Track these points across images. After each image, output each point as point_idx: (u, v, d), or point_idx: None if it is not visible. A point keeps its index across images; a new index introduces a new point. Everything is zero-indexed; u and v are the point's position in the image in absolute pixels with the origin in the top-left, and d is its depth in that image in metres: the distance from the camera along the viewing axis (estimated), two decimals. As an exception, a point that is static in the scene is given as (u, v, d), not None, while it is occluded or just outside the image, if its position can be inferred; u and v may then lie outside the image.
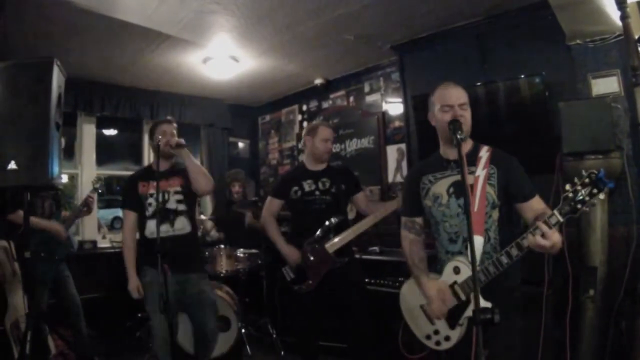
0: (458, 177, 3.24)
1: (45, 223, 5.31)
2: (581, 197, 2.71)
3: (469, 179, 3.17)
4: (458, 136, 2.89)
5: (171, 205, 4.81)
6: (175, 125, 5.02)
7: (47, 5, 5.23)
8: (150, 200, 4.78)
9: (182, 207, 4.83)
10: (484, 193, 3.18)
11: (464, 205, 3.15)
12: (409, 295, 3.59)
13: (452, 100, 3.27)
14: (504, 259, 2.98)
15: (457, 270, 3.22)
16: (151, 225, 4.75)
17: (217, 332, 5.06)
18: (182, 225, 4.80)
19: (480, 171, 3.24)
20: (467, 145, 3.39)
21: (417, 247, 3.57)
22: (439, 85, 3.47)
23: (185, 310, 4.99)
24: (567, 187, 2.77)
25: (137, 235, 4.93)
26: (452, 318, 3.24)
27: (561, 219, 2.77)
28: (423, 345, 3.50)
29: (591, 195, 2.70)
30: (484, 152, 3.32)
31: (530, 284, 4.24)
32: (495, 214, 3.23)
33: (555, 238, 2.77)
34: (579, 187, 2.73)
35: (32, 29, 5.83)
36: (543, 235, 2.77)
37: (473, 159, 3.29)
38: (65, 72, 3.88)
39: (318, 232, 5.03)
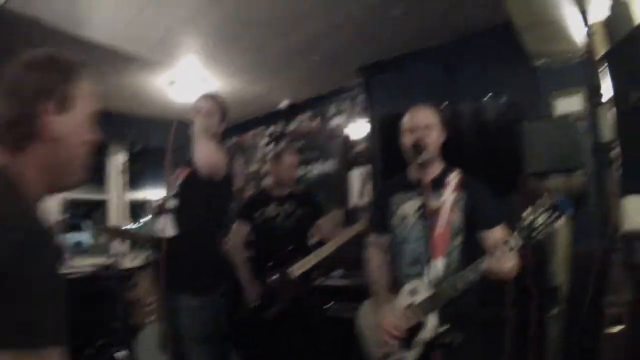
0: (424, 200, 3.22)
1: None
2: (540, 222, 2.74)
3: (435, 203, 3.22)
4: (418, 161, 2.94)
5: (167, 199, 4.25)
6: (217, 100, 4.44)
7: (14, 22, 5.20)
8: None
9: (171, 203, 4.18)
10: (449, 217, 3.21)
11: (427, 228, 3.15)
12: (368, 314, 3.58)
13: (415, 123, 3.31)
14: (461, 282, 2.98)
15: (414, 292, 3.19)
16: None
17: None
18: (161, 226, 4.16)
19: (447, 196, 3.26)
20: (436, 169, 3.41)
21: (380, 266, 3.57)
22: (410, 108, 3.48)
23: None
24: (528, 211, 2.79)
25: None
26: (408, 340, 3.20)
27: (519, 243, 2.79)
28: None
29: (550, 222, 2.73)
30: (453, 177, 3.34)
31: (492, 305, 4.26)
32: (460, 239, 3.25)
33: (509, 264, 2.83)
34: (538, 213, 2.76)
35: (-3, 46, 5.78)
36: (498, 261, 2.83)
37: (441, 183, 3.31)
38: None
39: (282, 257, 5.04)
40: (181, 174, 4.29)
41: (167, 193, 4.27)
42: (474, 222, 3.24)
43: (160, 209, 4.24)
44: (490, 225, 3.17)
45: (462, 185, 3.30)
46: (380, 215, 3.58)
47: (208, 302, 4.03)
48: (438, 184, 3.29)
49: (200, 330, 3.99)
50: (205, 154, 3.99)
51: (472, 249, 3.20)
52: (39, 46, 4.95)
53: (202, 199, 4.06)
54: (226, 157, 4.23)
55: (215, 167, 4.03)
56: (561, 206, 2.71)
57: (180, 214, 4.10)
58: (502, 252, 2.81)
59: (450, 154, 3.48)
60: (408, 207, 3.36)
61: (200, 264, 4.00)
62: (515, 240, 2.78)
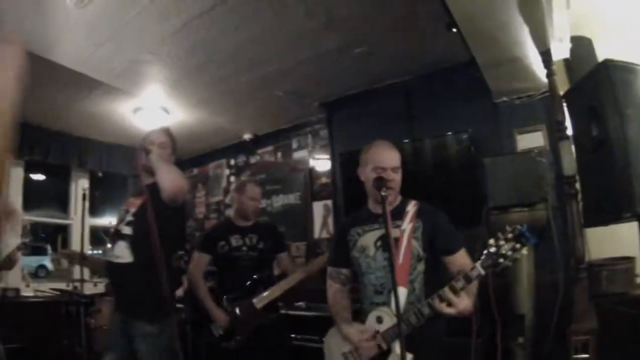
0: (384, 231, 3.20)
1: None
2: (504, 252, 2.76)
3: (395, 233, 3.22)
4: (382, 193, 2.97)
5: (120, 226, 4.12)
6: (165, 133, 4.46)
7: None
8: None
9: (127, 230, 4.04)
10: (409, 246, 3.24)
11: (388, 258, 3.16)
12: (332, 342, 3.58)
13: (385, 164, 3.33)
14: (426, 310, 2.98)
15: (379, 320, 3.22)
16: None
17: None
18: (119, 252, 4.01)
19: (406, 225, 3.29)
20: (395, 201, 3.45)
21: (341, 296, 3.58)
22: (374, 143, 3.52)
23: None
24: (491, 241, 2.81)
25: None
26: None
27: (482, 272, 2.81)
28: None
29: (514, 249, 2.75)
30: (411, 207, 3.39)
31: (458, 334, 4.28)
32: (421, 266, 3.27)
33: (462, 305, 2.85)
34: (502, 242, 2.78)
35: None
36: (449, 304, 2.86)
37: (400, 213, 3.35)
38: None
39: (245, 288, 5.04)
40: (135, 202, 4.20)
41: (121, 220, 4.16)
42: (434, 248, 3.28)
43: (115, 236, 4.12)
44: (451, 251, 3.22)
45: (419, 214, 3.35)
46: (339, 249, 3.61)
47: (164, 329, 3.96)
48: (397, 215, 3.32)
49: (156, 358, 3.91)
50: (172, 177, 3.97)
51: (434, 276, 3.25)
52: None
53: (157, 227, 3.77)
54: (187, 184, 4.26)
55: (181, 191, 4.04)
56: (524, 235, 2.76)
57: (136, 241, 3.99)
58: (452, 296, 2.85)
59: (412, 188, 3.54)
60: (368, 238, 3.41)
61: (155, 290, 3.79)
62: (480, 269, 2.81)
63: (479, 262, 2.82)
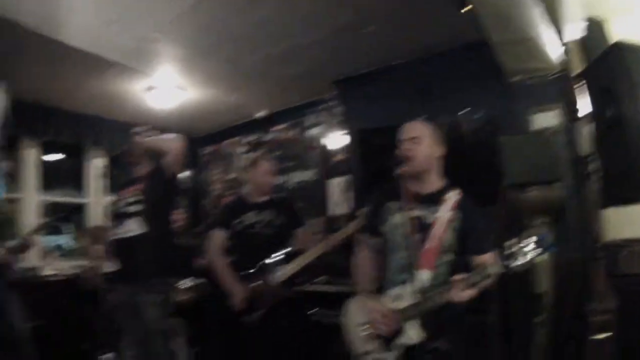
0: (418, 213, 3.27)
1: None
2: (524, 254, 2.79)
3: (430, 218, 3.27)
4: (395, 173, 2.96)
5: (124, 209, 4.63)
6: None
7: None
8: (112, 208, 4.85)
9: (133, 208, 4.58)
10: (441, 233, 3.24)
11: (417, 239, 3.20)
12: (353, 311, 3.61)
13: (402, 135, 3.36)
14: (438, 299, 3.04)
15: (398, 298, 3.25)
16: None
17: None
18: (132, 227, 4.54)
19: (444, 212, 3.29)
20: (434, 183, 3.46)
21: (368, 266, 3.60)
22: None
23: None
24: (513, 241, 2.85)
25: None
26: (386, 342, 3.28)
27: (501, 271, 2.87)
28: None
29: (533, 254, 2.78)
30: (453, 195, 3.37)
31: (477, 312, 4.29)
32: (449, 256, 3.27)
33: (465, 296, 2.92)
34: (522, 244, 2.81)
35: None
36: (460, 296, 2.92)
37: (438, 199, 3.35)
38: (9, 95, 3.85)
39: (262, 264, 5.04)
40: (130, 189, 4.67)
41: (121, 206, 4.63)
42: (465, 245, 3.29)
43: (121, 217, 4.58)
44: (482, 251, 3.20)
45: (459, 206, 3.33)
46: (373, 219, 3.61)
47: (169, 297, 4.55)
48: (434, 199, 3.34)
49: (162, 324, 4.38)
50: (172, 137, 4.74)
51: (460, 268, 3.20)
52: (19, 49, 4.97)
53: (164, 202, 4.64)
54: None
55: (183, 147, 4.73)
56: (545, 242, 2.78)
57: (143, 215, 4.43)
58: (461, 286, 2.92)
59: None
60: (400, 217, 3.39)
61: (164, 257, 4.44)
62: (500, 267, 2.86)
63: (500, 259, 2.89)
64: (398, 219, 3.40)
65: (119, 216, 4.62)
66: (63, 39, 5.62)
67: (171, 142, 4.71)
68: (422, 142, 3.38)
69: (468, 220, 3.30)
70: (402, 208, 3.41)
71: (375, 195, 3.77)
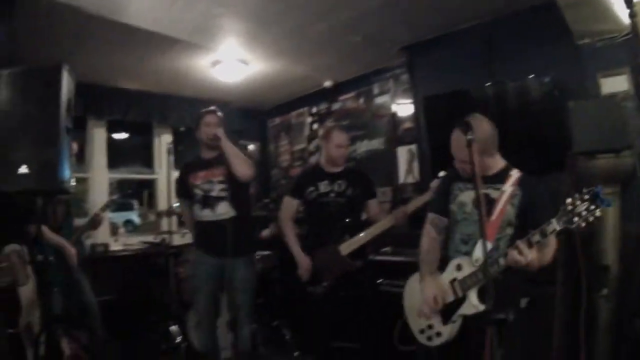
0: (483, 190, 3.27)
1: (57, 240, 5.32)
2: (579, 211, 2.90)
3: (494, 194, 3.45)
4: (468, 136, 2.92)
5: (214, 193, 5.09)
6: (219, 114, 5.25)
7: (56, 11, 5.27)
8: (196, 190, 5.16)
9: (223, 194, 5.07)
10: (504, 208, 3.41)
11: (480, 214, 3.16)
12: (413, 287, 3.82)
13: (471, 134, 3.24)
14: (502, 260, 3.19)
15: (459, 268, 3.46)
16: (196, 210, 5.21)
17: (250, 319, 5.17)
18: (224, 210, 5.05)
19: (507, 188, 3.45)
20: (498, 163, 3.60)
21: (434, 247, 3.75)
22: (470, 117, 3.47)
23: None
24: (568, 200, 2.94)
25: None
26: (446, 314, 3.46)
27: (557, 228, 2.99)
28: (416, 341, 3.72)
29: (588, 210, 2.88)
30: (514, 173, 3.52)
31: (543, 284, 4.25)
32: (510, 230, 3.45)
33: (530, 257, 3.05)
34: (578, 202, 2.91)
35: (40, 34, 5.88)
36: (520, 253, 3.05)
37: (502, 177, 3.51)
38: (74, 77, 3.90)
39: (333, 234, 5.08)
40: (215, 171, 5.15)
41: (209, 189, 5.13)
42: (526, 219, 3.38)
43: (213, 200, 5.10)
44: (540, 225, 3.19)
45: (520, 183, 3.47)
46: (441, 199, 3.78)
47: (254, 259, 5.44)
48: (499, 178, 3.50)
49: (252, 283, 5.19)
50: (245, 167, 5.08)
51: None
52: (83, 34, 5.03)
53: (243, 189, 5.22)
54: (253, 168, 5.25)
55: (251, 177, 5.19)
56: (599, 197, 2.86)
57: (232, 199, 5.06)
58: (524, 246, 3.06)
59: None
60: (467, 196, 3.59)
61: (249, 232, 5.38)
62: (555, 224, 2.97)
63: (555, 218, 2.96)
64: (464, 197, 3.58)
65: (206, 199, 5.13)
66: (126, 20, 5.68)
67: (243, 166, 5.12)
68: (488, 141, 3.46)
69: (528, 196, 3.43)
70: (469, 188, 3.56)
71: (442, 178, 3.85)
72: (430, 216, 3.86)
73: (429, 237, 3.80)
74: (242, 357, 5.03)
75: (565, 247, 4.23)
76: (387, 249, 6.66)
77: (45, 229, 4.83)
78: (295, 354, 6.53)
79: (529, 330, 3.54)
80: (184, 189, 5.33)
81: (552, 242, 3.26)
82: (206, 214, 5.08)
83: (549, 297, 4.35)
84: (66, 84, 3.72)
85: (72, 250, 5.39)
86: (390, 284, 5.73)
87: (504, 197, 3.41)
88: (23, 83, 3.67)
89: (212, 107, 5.32)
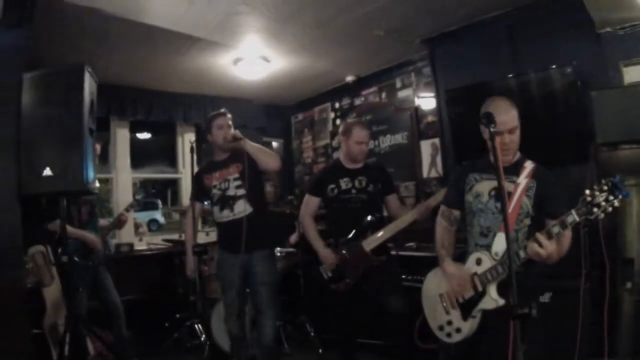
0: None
1: (81, 233, 5.36)
2: (598, 202, 2.88)
3: (509, 187, 3.41)
4: (491, 129, 2.90)
5: (231, 192, 5.10)
6: (229, 116, 5.28)
7: (77, 13, 5.29)
8: (214, 190, 5.19)
9: (240, 191, 5.07)
10: (520, 200, 3.44)
11: (500, 206, 3.33)
12: (431, 283, 3.84)
13: (500, 127, 3.27)
14: (522, 253, 3.23)
15: (479, 262, 3.46)
16: (216, 212, 5.22)
17: (271, 313, 5.10)
18: (242, 208, 5.04)
19: (522, 180, 3.48)
20: (514, 157, 3.60)
21: (448, 235, 3.86)
22: (491, 102, 3.56)
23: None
24: (587, 191, 2.92)
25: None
26: (466, 309, 3.47)
27: (577, 219, 2.98)
28: (436, 338, 3.74)
29: (607, 201, 2.86)
30: (528, 164, 3.55)
31: (567, 277, 4.24)
32: (527, 221, 3.48)
33: (550, 249, 3.06)
34: (597, 192, 2.88)
35: (62, 36, 5.91)
36: (540, 245, 3.06)
37: (517, 169, 3.53)
38: (96, 78, 3.93)
39: (355, 231, 5.08)
40: (229, 170, 5.19)
41: (225, 188, 5.14)
42: (542, 209, 3.42)
43: (230, 200, 5.10)
44: (556, 215, 3.19)
45: (535, 174, 3.50)
46: (455, 191, 3.83)
47: (274, 253, 5.56)
48: (513, 170, 3.51)
49: (271, 277, 5.14)
50: (273, 159, 5.15)
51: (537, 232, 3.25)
52: (103, 36, 5.06)
53: (258, 184, 5.27)
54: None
55: (279, 167, 5.21)
56: (618, 187, 2.85)
57: (250, 196, 5.05)
58: (544, 239, 3.06)
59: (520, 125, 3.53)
60: (484, 186, 3.61)
61: (269, 228, 5.38)
62: (575, 215, 2.97)
63: (575, 208, 2.96)
64: (480, 187, 3.58)
65: (224, 199, 5.14)
66: (146, 20, 5.71)
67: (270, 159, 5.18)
68: (516, 130, 3.46)
69: (543, 187, 3.47)
70: (484, 179, 3.59)
71: (456, 171, 3.87)
72: (442, 208, 3.95)
73: (440, 226, 3.89)
74: (264, 351, 5.01)
75: (590, 239, 4.21)
76: (411, 244, 6.68)
77: (69, 228, 4.86)
78: (320, 351, 6.56)
79: (552, 325, 3.52)
80: (198, 192, 5.38)
81: (568, 233, 3.22)
82: (226, 215, 5.09)
83: (572, 291, 4.33)
84: (88, 85, 3.76)
85: (95, 241, 5.43)
86: (415, 279, 5.71)
87: (520, 189, 3.43)
88: (46, 86, 3.72)
89: (222, 110, 5.39)
